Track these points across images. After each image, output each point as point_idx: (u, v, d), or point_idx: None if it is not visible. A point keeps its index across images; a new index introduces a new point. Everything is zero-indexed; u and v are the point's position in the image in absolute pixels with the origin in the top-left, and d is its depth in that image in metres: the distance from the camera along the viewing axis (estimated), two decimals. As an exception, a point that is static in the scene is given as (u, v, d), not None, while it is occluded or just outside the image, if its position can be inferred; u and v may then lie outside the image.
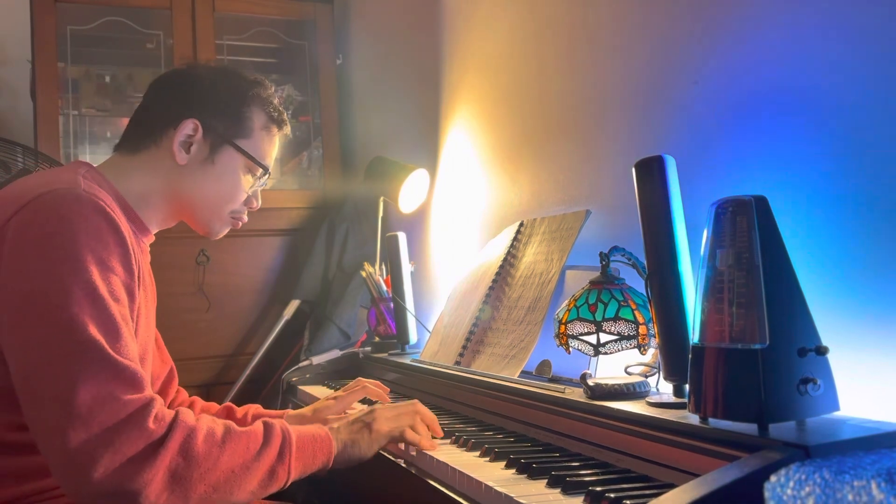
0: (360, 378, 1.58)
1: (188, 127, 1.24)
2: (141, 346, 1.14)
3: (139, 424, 0.94)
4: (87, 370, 0.94)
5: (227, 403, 1.50)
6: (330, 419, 1.36)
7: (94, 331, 0.96)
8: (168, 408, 1.03)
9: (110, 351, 0.97)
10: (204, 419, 1.02)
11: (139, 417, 0.94)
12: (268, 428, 1.06)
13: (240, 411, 1.47)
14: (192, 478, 0.96)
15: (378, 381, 1.56)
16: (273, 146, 1.33)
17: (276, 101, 1.33)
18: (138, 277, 1.10)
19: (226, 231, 1.33)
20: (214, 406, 1.50)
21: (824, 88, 1.02)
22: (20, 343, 0.98)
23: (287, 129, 1.36)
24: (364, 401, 1.59)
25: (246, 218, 1.34)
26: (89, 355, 0.95)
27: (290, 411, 1.47)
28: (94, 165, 1.23)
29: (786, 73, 1.08)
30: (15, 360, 0.98)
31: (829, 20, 1.01)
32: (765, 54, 1.11)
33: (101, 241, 1.03)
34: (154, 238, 1.30)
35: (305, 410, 1.46)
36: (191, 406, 1.49)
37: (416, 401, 1.23)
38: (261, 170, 1.31)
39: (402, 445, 1.17)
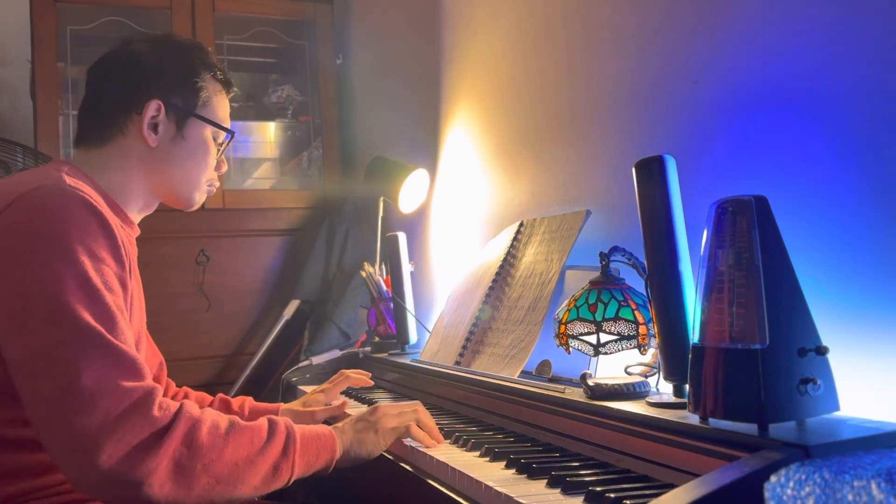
0: (342, 370, 1.63)
1: (152, 108, 1.22)
2: (134, 335, 1.13)
3: (144, 412, 0.94)
4: (87, 356, 0.94)
5: (221, 395, 1.51)
6: (318, 414, 1.42)
7: (90, 319, 0.96)
8: None
9: (110, 337, 0.96)
10: (208, 411, 1.02)
11: (143, 405, 0.94)
12: (272, 424, 1.07)
13: (235, 403, 1.48)
14: (196, 468, 0.95)
15: (359, 370, 1.63)
16: (227, 108, 1.34)
17: (217, 61, 1.33)
18: (129, 269, 1.10)
19: (203, 200, 1.34)
20: (208, 398, 1.50)
21: (825, 88, 1.02)
22: (17, 337, 0.97)
23: (235, 90, 1.36)
24: (367, 401, 1.60)
25: (218, 183, 1.36)
26: (89, 342, 0.95)
27: (284, 405, 1.49)
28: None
29: (786, 73, 1.08)
30: (13, 353, 0.98)
31: (831, 19, 1.01)
32: (765, 54, 1.11)
33: (90, 234, 1.03)
34: (139, 231, 1.30)
35: (295, 404, 1.48)
36: (185, 397, 1.49)
37: (418, 402, 1.24)
38: (225, 134, 1.31)
39: (406, 441, 1.18)
